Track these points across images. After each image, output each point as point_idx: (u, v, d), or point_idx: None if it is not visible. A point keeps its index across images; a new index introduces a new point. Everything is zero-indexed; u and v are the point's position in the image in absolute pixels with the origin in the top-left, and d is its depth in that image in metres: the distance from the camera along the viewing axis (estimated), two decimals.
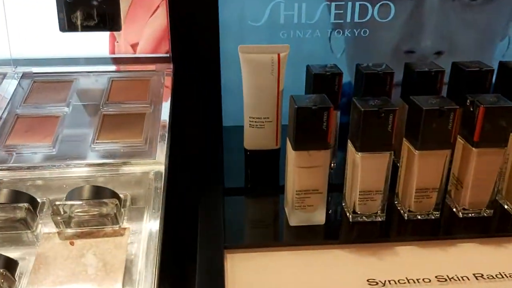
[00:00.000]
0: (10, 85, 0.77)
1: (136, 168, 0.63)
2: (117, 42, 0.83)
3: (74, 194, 0.57)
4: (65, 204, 0.55)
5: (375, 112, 0.57)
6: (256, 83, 0.69)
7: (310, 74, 0.67)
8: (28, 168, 0.63)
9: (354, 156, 0.60)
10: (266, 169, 0.74)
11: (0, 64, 0.79)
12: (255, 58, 0.68)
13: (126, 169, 0.63)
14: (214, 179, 0.74)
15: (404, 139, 0.63)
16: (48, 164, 0.63)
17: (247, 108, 0.71)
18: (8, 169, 0.63)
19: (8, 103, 0.74)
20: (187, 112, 0.80)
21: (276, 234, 0.66)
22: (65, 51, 0.82)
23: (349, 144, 0.62)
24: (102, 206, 0.55)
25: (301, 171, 0.59)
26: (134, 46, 0.84)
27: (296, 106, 0.56)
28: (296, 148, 0.58)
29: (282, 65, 0.68)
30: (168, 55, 0.84)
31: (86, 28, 0.80)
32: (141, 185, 0.62)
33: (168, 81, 0.80)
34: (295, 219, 0.61)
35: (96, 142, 0.67)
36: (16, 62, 0.80)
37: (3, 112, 0.72)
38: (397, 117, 0.58)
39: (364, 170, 0.60)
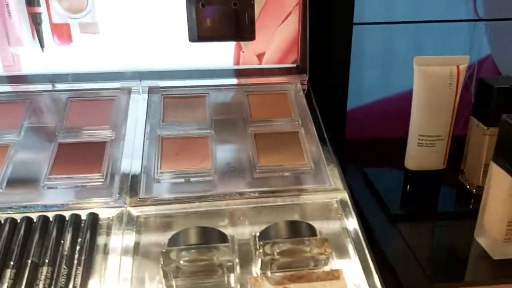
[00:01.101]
0: (140, 101, 0.71)
1: (314, 196, 0.57)
2: (243, 52, 0.77)
3: (270, 231, 0.51)
4: (271, 243, 0.48)
5: None
6: (430, 98, 0.63)
7: (488, 86, 0.61)
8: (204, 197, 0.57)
9: None
10: (429, 191, 0.69)
11: (125, 78, 0.73)
12: (432, 71, 0.62)
13: (303, 197, 0.57)
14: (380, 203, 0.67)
15: None
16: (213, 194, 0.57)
17: (416, 126, 0.65)
18: (178, 201, 0.57)
19: (146, 122, 0.67)
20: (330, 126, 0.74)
21: (478, 269, 0.59)
22: (187, 63, 0.76)
23: None
24: (306, 245, 0.49)
25: None
26: (260, 56, 0.78)
27: None
28: None
29: (460, 78, 0.62)
30: (295, 65, 0.78)
31: (217, 38, 0.74)
32: (325, 216, 0.56)
33: (305, 94, 0.74)
34: (501, 252, 0.56)
35: (260, 167, 0.61)
36: (141, 75, 0.74)
37: (144, 133, 0.65)
38: None
39: None
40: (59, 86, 0.74)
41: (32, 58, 0.73)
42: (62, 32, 0.73)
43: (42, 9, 0.71)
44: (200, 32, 0.73)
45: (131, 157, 0.61)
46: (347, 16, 0.76)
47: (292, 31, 0.76)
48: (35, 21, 0.71)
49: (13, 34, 0.72)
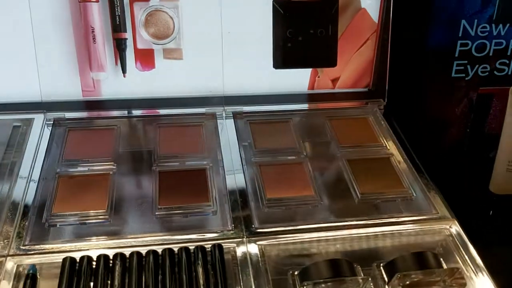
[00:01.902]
0: (227, 126, 0.71)
1: (423, 225, 0.58)
2: (319, 76, 0.78)
3: (397, 262, 0.51)
4: (402, 275, 0.49)
5: None
6: None
7: None
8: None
9: None
10: None
11: (209, 103, 0.73)
12: None
13: (411, 226, 0.58)
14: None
15: None
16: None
17: (506, 152, 0.66)
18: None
19: (239, 148, 0.67)
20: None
21: None
22: (265, 88, 0.76)
23: None
24: (438, 275, 0.50)
25: None
26: (334, 81, 0.79)
27: None
28: None
29: None
30: (367, 89, 0.80)
31: (301, 64, 0.75)
32: (439, 245, 0.57)
33: (384, 118, 0.75)
34: None
35: (362, 195, 0.62)
36: (224, 100, 0.74)
37: (241, 160, 0.65)
38: None
39: None
40: (143, 112, 0.74)
41: (113, 83, 0.73)
42: (146, 58, 0.73)
43: (127, 34, 0.71)
44: (286, 59, 0.74)
45: (234, 185, 0.62)
46: (420, 42, 0.78)
47: (367, 57, 0.78)
48: (120, 46, 0.71)
49: (96, 60, 0.71)
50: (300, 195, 0.61)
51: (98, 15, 0.69)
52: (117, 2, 0.68)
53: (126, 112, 0.73)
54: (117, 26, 0.70)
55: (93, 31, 0.70)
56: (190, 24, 0.71)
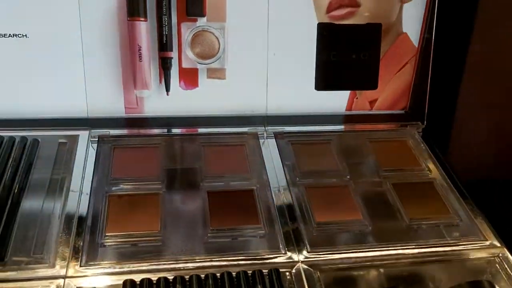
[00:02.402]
0: (270, 147, 0.72)
1: (473, 252, 0.59)
2: (357, 98, 0.79)
3: None
4: None
5: None
6: None
7: None
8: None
9: None
10: None
11: (251, 123, 0.74)
12: None
13: (461, 253, 0.59)
14: None
15: None
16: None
17: None
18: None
19: (284, 169, 0.68)
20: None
21: None
22: (305, 108, 0.77)
23: None
24: None
25: None
26: (371, 102, 0.80)
27: None
28: None
29: None
30: (403, 111, 0.81)
31: (343, 87, 0.76)
32: (490, 273, 0.58)
33: (423, 141, 0.76)
34: None
35: (411, 220, 0.62)
36: (266, 120, 0.75)
37: (286, 181, 0.66)
38: None
39: None
40: (185, 130, 0.74)
41: (156, 101, 0.73)
42: (190, 77, 0.73)
43: (173, 54, 0.72)
44: (328, 81, 0.75)
45: (283, 206, 0.62)
46: (458, 67, 0.79)
47: (405, 80, 0.79)
48: (165, 65, 0.72)
49: (141, 77, 0.72)
50: (348, 219, 0.62)
51: (145, 34, 0.69)
52: (165, 22, 0.69)
53: (168, 130, 0.74)
54: (163, 45, 0.70)
55: (139, 49, 0.70)
56: (235, 44, 0.72)
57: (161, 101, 0.74)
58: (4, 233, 0.55)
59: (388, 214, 0.64)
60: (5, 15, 0.67)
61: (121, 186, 0.63)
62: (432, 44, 0.75)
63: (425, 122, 0.78)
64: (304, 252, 0.56)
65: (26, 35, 0.67)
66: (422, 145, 0.75)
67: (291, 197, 0.64)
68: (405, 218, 0.62)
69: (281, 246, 0.57)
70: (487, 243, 0.60)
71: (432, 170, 0.71)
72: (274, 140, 0.73)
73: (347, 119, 0.79)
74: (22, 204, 0.59)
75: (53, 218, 0.57)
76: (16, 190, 0.60)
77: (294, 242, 0.58)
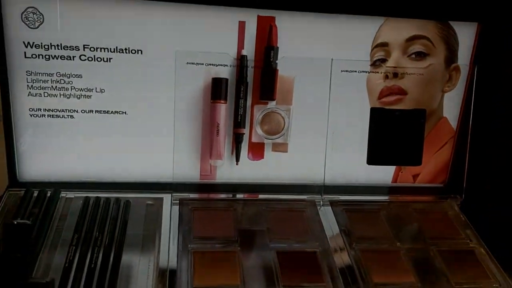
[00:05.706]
0: (326, 214, 0.81)
1: None
2: (402, 172, 0.89)
3: None
4: None
5: None
6: None
7: None
8: None
9: None
10: None
11: (309, 191, 0.84)
12: None
13: None
14: None
15: None
16: None
17: None
18: None
19: (342, 236, 0.77)
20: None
21: None
22: (354, 178, 0.88)
23: None
24: None
25: None
26: (414, 176, 0.90)
27: None
28: None
29: None
30: (442, 185, 0.90)
31: (392, 162, 0.86)
32: None
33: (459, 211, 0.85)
34: None
35: (457, 284, 0.71)
36: (323, 189, 0.85)
37: (345, 246, 0.75)
38: None
39: None
40: (252, 196, 0.85)
41: (226, 169, 0.85)
42: (257, 150, 0.85)
43: (245, 130, 0.84)
44: (378, 157, 0.85)
45: (343, 267, 0.71)
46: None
47: (444, 157, 0.89)
48: (237, 139, 0.83)
49: (216, 150, 0.83)
50: (402, 281, 0.71)
51: (224, 113, 0.82)
52: (241, 104, 0.81)
53: (237, 194, 0.85)
54: (238, 123, 0.82)
55: (218, 126, 0.82)
56: (298, 122, 0.84)
57: (231, 170, 0.85)
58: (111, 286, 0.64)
59: (436, 278, 0.72)
60: (109, 95, 0.80)
61: (203, 244, 0.73)
62: (470, 127, 0.86)
63: (463, 195, 0.88)
64: None
65: (125, 112, 0.80)
66: (461, 216, 0.84)
67: (350, 259, 0.73)
68: (452, 282, 0.71)
69: None
70: None
71: (472, 239, 0.80)
72: (330, 207, 0.84)
73: (393, 190, 0.89)
74: (122, 258, 0.69)
75: (149, 271, 0.68)
76: (116, 245, 0.70)
77: None
